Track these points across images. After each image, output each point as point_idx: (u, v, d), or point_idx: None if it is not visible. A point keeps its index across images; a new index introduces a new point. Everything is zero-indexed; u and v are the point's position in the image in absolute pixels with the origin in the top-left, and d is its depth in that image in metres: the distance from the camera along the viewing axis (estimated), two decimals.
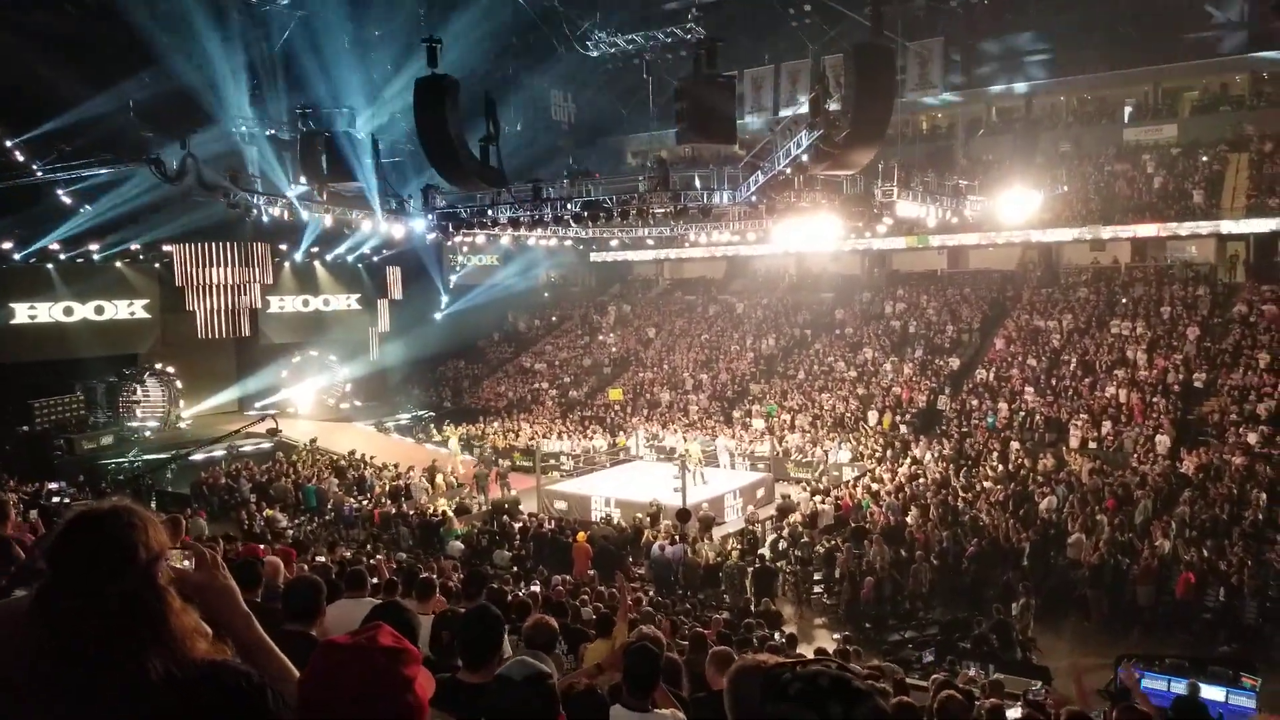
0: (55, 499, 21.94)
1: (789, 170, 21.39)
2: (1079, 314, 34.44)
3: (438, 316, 46.89)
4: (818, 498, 24.86)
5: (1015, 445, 27.57)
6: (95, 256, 36.42)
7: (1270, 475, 22.80)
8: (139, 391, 36.20)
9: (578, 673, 5.89)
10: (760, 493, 27.89)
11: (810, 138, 19.88)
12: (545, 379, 42.98)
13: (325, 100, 28.37)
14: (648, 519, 23.48)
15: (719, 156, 25.56)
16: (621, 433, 34.28)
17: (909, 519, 22.36)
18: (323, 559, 15.93)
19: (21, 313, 35.51)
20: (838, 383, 35.07)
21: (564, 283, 53.60)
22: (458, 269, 47.68)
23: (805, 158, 20.44)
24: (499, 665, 3.91)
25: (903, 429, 30.58)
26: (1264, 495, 21.49)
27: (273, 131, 32.95)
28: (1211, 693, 12.68)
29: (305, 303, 43.08)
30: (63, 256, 35.44)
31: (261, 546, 12.29)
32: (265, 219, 29.17)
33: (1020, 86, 40.91)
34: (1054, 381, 30.89)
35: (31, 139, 30.73)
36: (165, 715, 1.78)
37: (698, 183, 24.85)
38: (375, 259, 42.78)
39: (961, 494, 24.01)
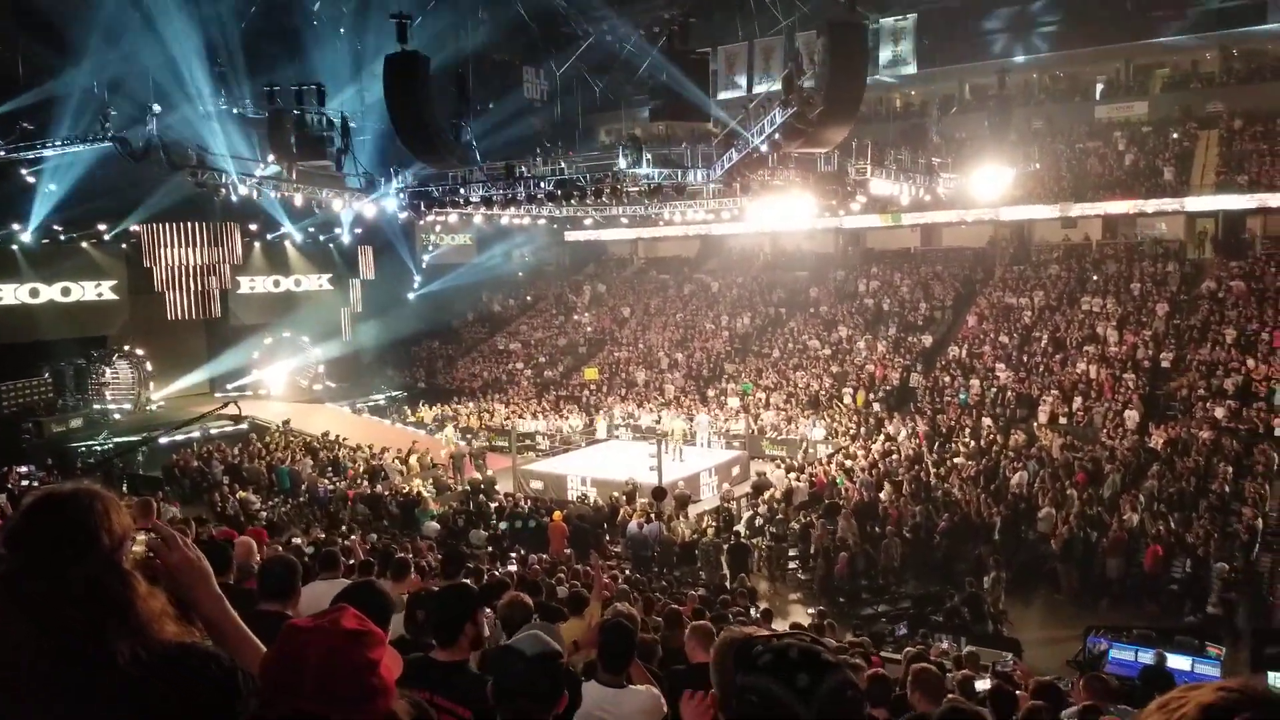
0: (25, 482, 21.75)
1: (763, 148, 21.35)
2: (1050, 291, 34.68)
3: (411, 296, 46.57)
4: (792, 475, 24.99)
5: (987, 421, 27.80)
6: (61, 237, 35.91)
7: (1236, 449, 23.15)
8: (108, 374, 35.80)
9: None
10: (735, 470, 27.98)
11: (784, 115, 19.87)
12: (520, 359, 42.88)
13: (294, 77, 27.98)
14: (624, 497, 23.54)
15: (693, 134, 25.47)
16: (598, 412, 34.27)
17: (882, 495, 22.53)
18: (297, 540, 15.92)
19: None
20: (812, 361, 35.21)
21: (538, 262, 53.38)
22: (430, 248, 47.37)
23: (779, 135, 20.43)
24: (469, 643, 3.90)
25: (876, 406, 30.75)
26: (1230, 469, 21.85)
27: (241, 110, 32.51)
28: (1178, 662, 12.90)
29: (276, 283, 42.67)
30: (27, 238, 34.92)
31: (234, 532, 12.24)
32: (234, 198, 28.85)
33: (992, 64, 40.94)
34: (1025, 358, 31.14)
35: None
36: (134, 698, 1.77)
37: (671, 161, 24.78)
38: (347, 239, 42.43)
39: (934, 470, 24.22)
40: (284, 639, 1.93)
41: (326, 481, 26.73)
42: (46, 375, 34.80)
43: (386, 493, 25.55)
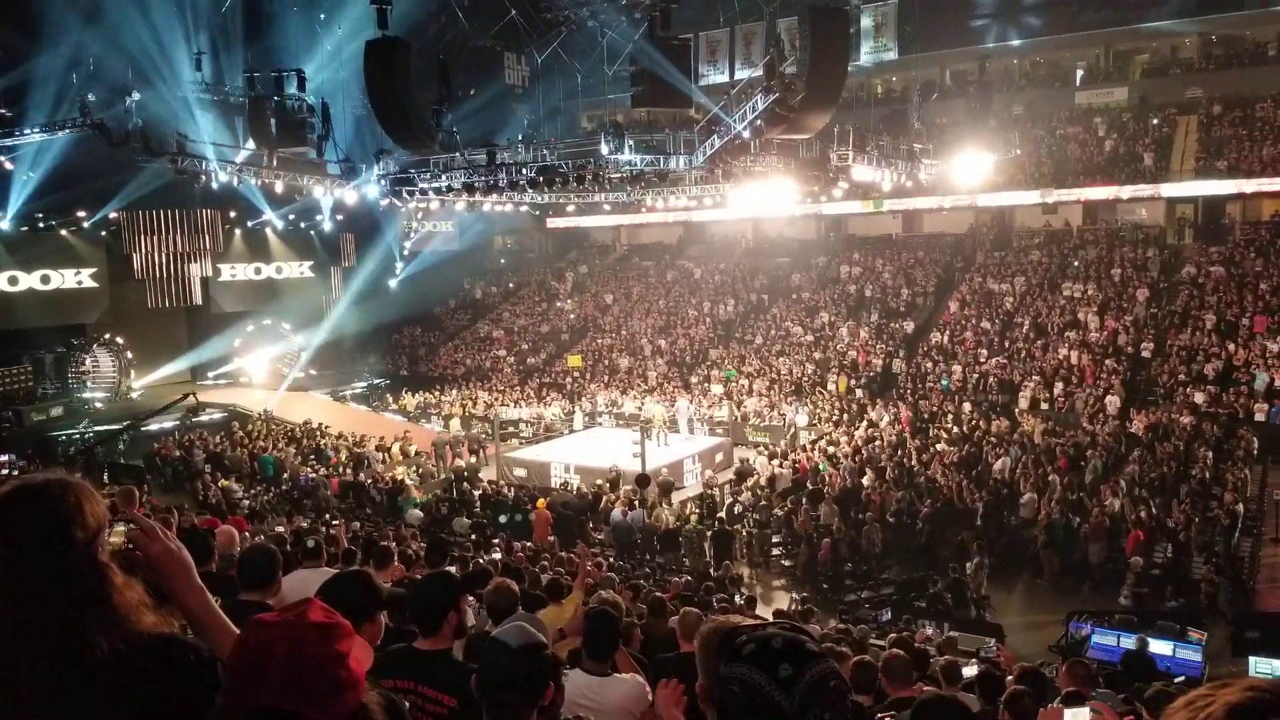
0: (4, 471, 21.59)
1: (745, 134, 21.34)
2: (1031, 276, 34.80)
3: (393, 283, 46.34)
4: (775, 461, 25.04)
5: (969, 407, 27.90)
6: (40, 225, 35.61)
7: (1216, 434, 23.29)
8: (88, 362, 35.55)
9: None
10: (719, 457, 28.02)
11: (766, 101, 19.86)
12: (503, 346, 42.79)
13: (274, 63, 27.76)
14: (607, 484, 23.55)
15: (674, 120, 25.44)
16: (579, 400, 34.26)
17: (865, 481, 22.61)
18: (280, 529, 15.86)
19: None
20: (795, 347, 35.25)
21: (521, 249, 53.22)
22: (412, 235, 47.16)
23: (761, 121, 20.42)
24: (452, 632, 3.88)
25: (859, 392, 30.82)
26: (1210, 454, 21.96)
27: (220, 96, 32.25)
28: (1159, 647, 12.99)
29: (257, 270, 42.44)
30: (6, 225, 34.60)
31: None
32: (214, 185, 28.64)
33: (973, 49, 41.00)
34: (1007, 344, 31.25)
35: None
36: (113, 691, 1.74)
37: (653, 147, 24.71)
38: (328, 225, 42.20)
39: (916, 455, 24.31)
40: (249, 633, 1.89)
41: (309, 470, 26.65)
42: (26, 364, 34.55)
43: (369, 480, 25.49)
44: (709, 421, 30.89)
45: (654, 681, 4.74)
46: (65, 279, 37.04)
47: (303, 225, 42.15)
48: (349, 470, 26.62)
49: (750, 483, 23.61)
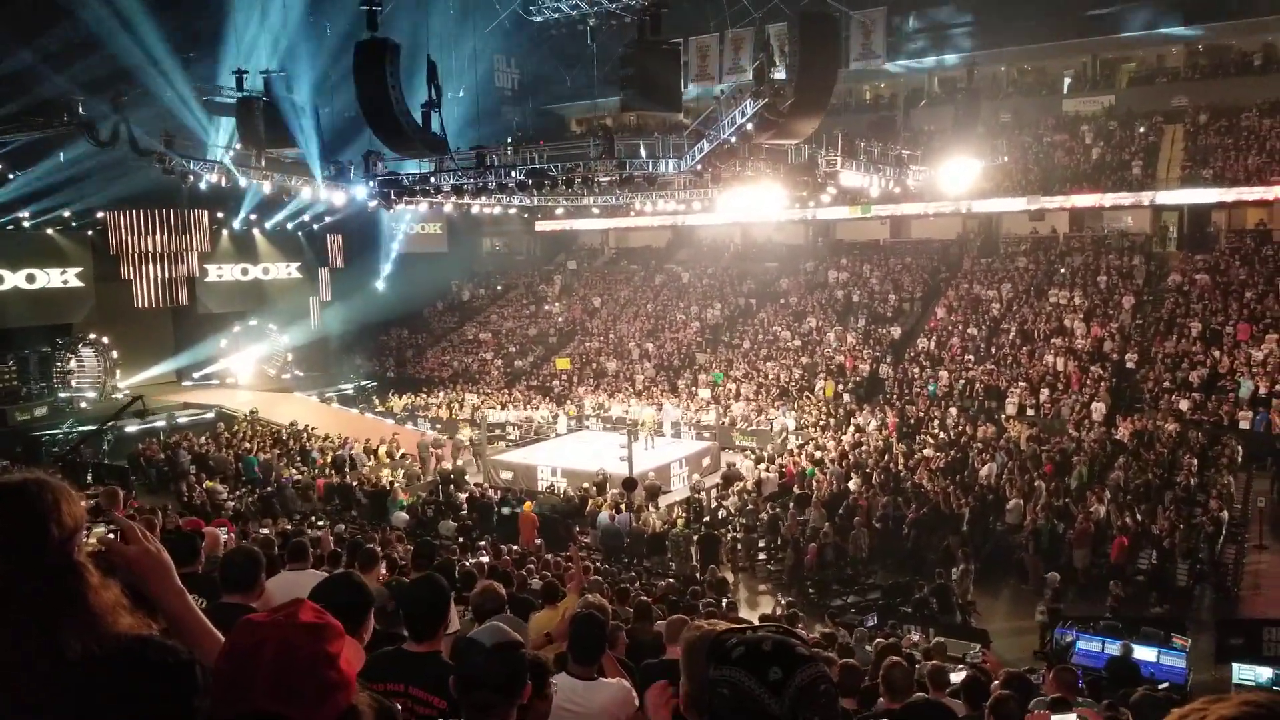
0: None
1: (734, 139, 21.34)
2: (1018, 283, 34.92)
3: (380, 285, 46.21)
4: (762, 465, 25.06)
5: (955, 413, 27.98)
6: (26, 223, 35.38)
7: (1201, 441, 23.41)
8: (73, 362, 35.32)
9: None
10: (706, 461, 28.03)
11: (755, 106, 19.88)
12: (490, 348, 42.73)
13: (263, 64, 27.66)
14: (594, 488, 23.52)
15: (664, 125, 25.47)
16: (563, 404, 34.23)
17: (851, 485, 22.64)
18: (265, 531, 15.79)
19: None
20: (782, 352, 35.29)
21: (509, 251, 53.16)
22: (401, 237, 47.05)
23: (750, 126, 20.43)
24: (444, 635, 3.87)
25: (846, 397, 30.86)
26: (1195, 461, 22.07)
27: (209, 96, 32.11)
28: (1144, 653, 13.02)
29: (244, 271, 42.29)
30: None
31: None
32: (202, 185, 28.52)
33: (961, 57, 41.12)
34: (993, 350, 31.35)
35: None
36: (86, 694, 1.72)
37: (643, 151, 24.69)
38: (316, 226, 42.04)
39: (903, 461, 24.35)
40: (238, 634, 1.86)
41: (294, 471, 26.55)
42: (10, 363, 34.31)
43: (355, 483, 25.41)
44: (696, 425, 30.90)
45: (640, 687, 4.73)
46: (51, 278, 36.80)
47: (290, 226, 42.01)
48: (333, 472, 26.52)
49: (737, 487, 23.62)
